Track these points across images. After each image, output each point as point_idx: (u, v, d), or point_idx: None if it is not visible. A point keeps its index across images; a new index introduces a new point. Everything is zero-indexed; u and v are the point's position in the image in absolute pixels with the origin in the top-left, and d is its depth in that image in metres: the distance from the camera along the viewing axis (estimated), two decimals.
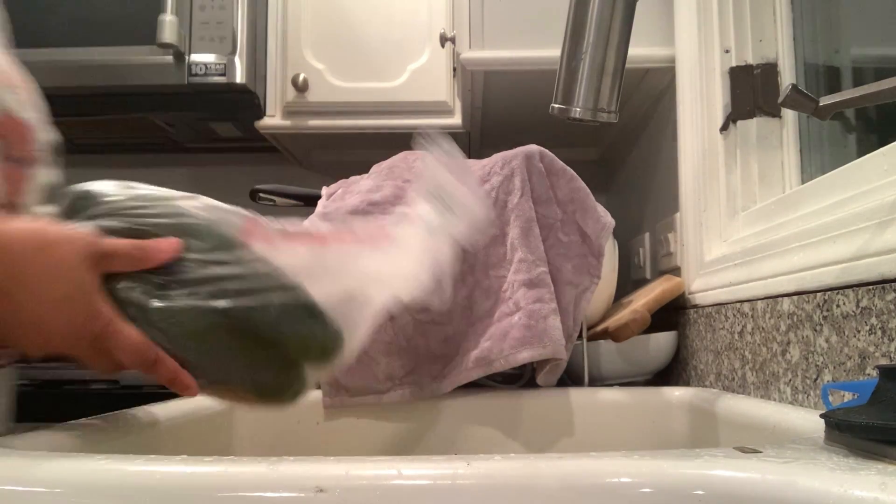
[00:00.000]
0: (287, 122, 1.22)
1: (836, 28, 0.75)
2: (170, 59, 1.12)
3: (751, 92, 0.78)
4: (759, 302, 0.64)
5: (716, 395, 0.67)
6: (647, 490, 0.32)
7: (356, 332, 0.49)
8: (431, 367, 0.75)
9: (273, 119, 1.22)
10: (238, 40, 1.13)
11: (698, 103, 0.82)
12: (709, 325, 0.77)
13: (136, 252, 0.45)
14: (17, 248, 0.41)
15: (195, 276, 0.46)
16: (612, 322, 0.82)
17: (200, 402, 0.70)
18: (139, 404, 0.63)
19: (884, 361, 0.44)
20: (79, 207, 0.47)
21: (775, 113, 0.77)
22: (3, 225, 0.42)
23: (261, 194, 0.95)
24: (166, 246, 0.46)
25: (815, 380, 0.54)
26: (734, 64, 0.79)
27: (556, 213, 0.75)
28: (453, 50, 1.18)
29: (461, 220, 0.55)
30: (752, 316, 0.65)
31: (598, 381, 0.83)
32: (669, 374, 0.89)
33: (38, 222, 0.44)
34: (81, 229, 0.44)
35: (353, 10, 1.23)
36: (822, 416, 0.37)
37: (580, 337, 0.79)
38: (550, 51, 0.92)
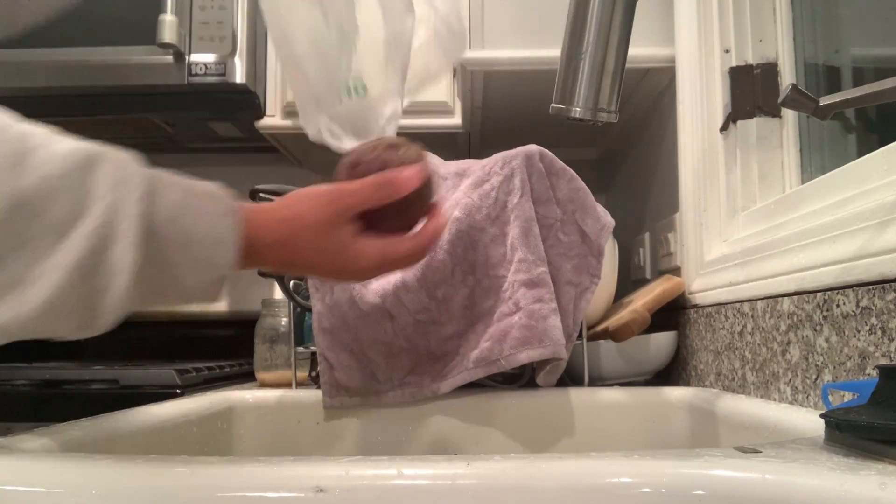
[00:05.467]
0: (287, 122, 1.22)
1: (836, 28, 0.75)
2: (170, 59, 1.12)
3: (751, 92, 0.78)
4: (759, 302, 0.64)
5: (716, 395, 0.67)
6: (647, 490, 0.32)
7: None
8: (431, 367, 0.75)
9: (273, 119, 1.22)
10: (238, 40, 1.13)
11: (698, 103, 0.82)
12: (709, 325, 0.77)
13: (382, 189, 0.49)
14: (278, 233, 0.47)
15: None
16: (612, 322, 0.82)
17: (200, 402, 0.70)
18: (139, 404, 0.63)
19: (884, 361, 0.44)
20: None
21: (775, 113, 0.77)
22: (263, 214, 0.47)
23: (261, 194, 0.94)
24: (411, 174, 0.50)
25: (815, 380, 0.54)
26: (734, 64, 0.79)
27: (556, 212, 0.75)
28: None
29: None
30: (752, 316, 0.65)
31: (598, 381, 0.83)
32: (669, 374, 0.89)
33: (284, 199, 0.48)
34: (322, 190, 0.48)
35: None
36: (822, 416, 0.37)
37: (580, 337, 0.79)
38: (550, 51, 0.92)
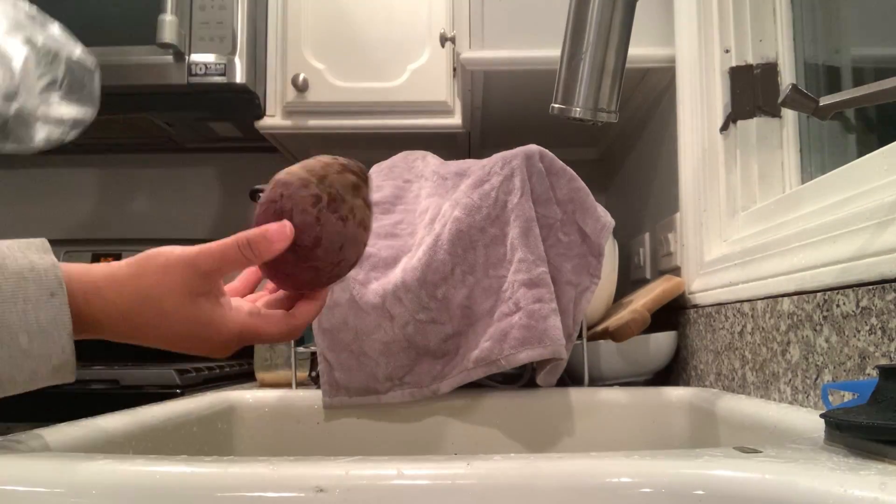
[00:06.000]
0: (287, 122, 1.22)
1: (836, 28, 0.75)
2: (170, 59, 1.12)
3: (751, 92, 0.78)
4: (759, 302, 0.64)
5: (716, 395, 0.67)
6: (647, 490, 0.32)
7: None
8: (431, 367, 0.75)
9: (273, 119, 1.22)
10: (238, 40, 1.13)
11: (698, 103, 0.82)
12: (709, 325, 0.77)
13: (243, 251, 0.44)
14: (123, 305, 0.42)
15: None
16: (612, 322, 0.82)
17: (200, 402, 0.70)
18: (139, 404, 0.63)
19: (884, 361, 0.44)
20: None
21: (775, 113, 0.77)
22: (106, 284, 0.41)
23: (260, 194, 0.95)
24: (277, 236, 0.45)
25: (815, 380, 0.54)
26: (734, 64, 0.79)
27: (556, 213, 0.75)
28: (453, 50, 1.18)
29: None
30: (752, 316, 0.65)
31: (598, 381, 0.83)
32: (669, 374, 0.89)
33: (133, 267, 0.42)
34: (176, 256, 0.42)
35: (353, 10, 1.23)
36: (822, 416, 0.37)
37: (580, 337, 0.79)
38: (550, 51, 0.92)
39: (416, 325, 0.73)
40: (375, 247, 0.77)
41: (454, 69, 1.20)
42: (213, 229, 1.51)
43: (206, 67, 1.12)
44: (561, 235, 0.76)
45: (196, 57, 1.12)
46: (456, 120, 1.21)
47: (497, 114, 1.18)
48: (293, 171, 0.48)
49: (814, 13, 0.76)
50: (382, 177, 0.88)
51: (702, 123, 0.82)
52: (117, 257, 1.36)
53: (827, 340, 0.52)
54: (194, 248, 0.43)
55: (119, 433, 0.54)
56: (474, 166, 0.79)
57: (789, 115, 0.77)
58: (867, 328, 0.46)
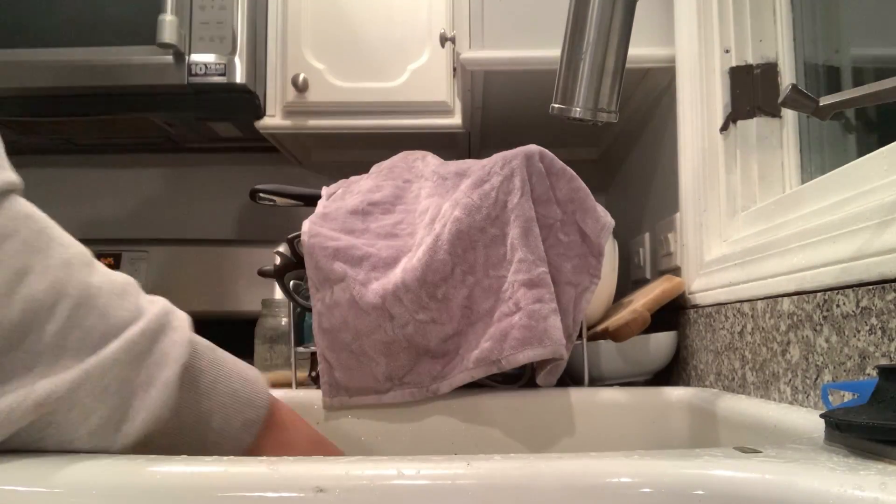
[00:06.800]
0: (287, 122, 1.23)
1: (836, 28, 0.75)
2: (170, 59, 1.12)
3: (751, 92, 0.78)
4: (759, 302, 0.64)
5: (716, 395, 0.67)
6: (647, 490, 0.32)
7: None
8: (431, 367, 0.75)
9: (273, 119, 1.22)
10: (238, 40, 1.13)
11: (698, 103, 0.82)
12: (709, 325, 0.77)
13: None
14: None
15: None
16: (612, 322, 0.82)
17: None
18: None
19: (884, 361, 0.44)
20: None
21: (775, 113, 0.77)
22: None
23: (261, 194, 0.95)
24: None
25: (815, 380, 0.54)
26: (734, 64, 0.79)
27: (556, 213, 0.75)
28: (453, 50, 1.18)
29: None
30: (752, 316, 0.65)
31: (598, 381, 0.83)
32: (669, 374, 0.89)
33: None
34: None
35: (353, 10, 1.23)
36: (822, 416, 0.37)
37: (580, 337, 0.79)
38: (550, 51, 0.92)
39: (416, 325, 0.73)
40: (375, 247, 0.77)
41: (454, 69, 1.20)
42: (213, 229, 1.51)
43: (206, 67, 1.12)
44: (561, 235, 0.76)
45: (196, 57, 1.12)
46: (456, 120, 1.21)
47: (497, 114, 1.18)
48: None
49: (814, 13, 0.76)
50: (382, 177, 0.88)
51: (702, 123, 0.82)
52: (117, 258, 1.36)
53: (827, 340, 0.52)
54: None
55: None
56: (474, 166, 0.79)
57: (789, 115, 0.77)
58: (867, 328, 0.46)
